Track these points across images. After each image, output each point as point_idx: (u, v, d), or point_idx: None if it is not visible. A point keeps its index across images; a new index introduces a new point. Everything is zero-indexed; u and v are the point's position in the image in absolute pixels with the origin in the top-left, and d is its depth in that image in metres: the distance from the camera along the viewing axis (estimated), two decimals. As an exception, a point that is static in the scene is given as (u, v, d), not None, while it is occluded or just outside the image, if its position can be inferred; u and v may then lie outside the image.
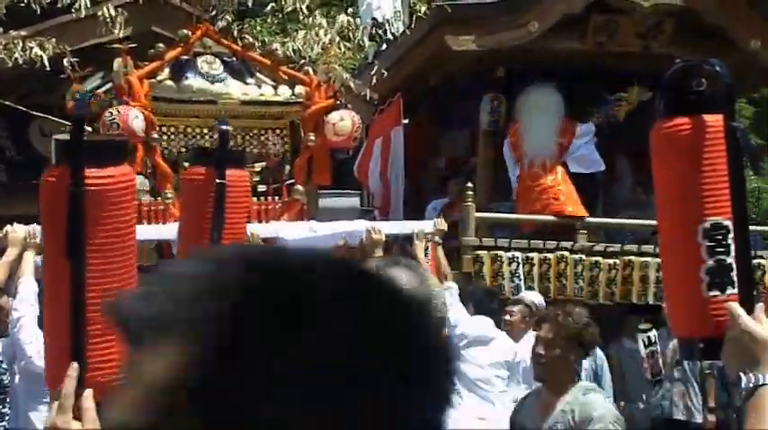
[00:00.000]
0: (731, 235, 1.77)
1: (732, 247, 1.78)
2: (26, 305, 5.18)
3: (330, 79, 7.57)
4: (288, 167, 7.78)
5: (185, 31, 7.41)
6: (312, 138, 7.44)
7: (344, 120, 7.41)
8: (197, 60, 7.45)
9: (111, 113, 6.85)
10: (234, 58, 7.60)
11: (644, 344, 8.04)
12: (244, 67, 7.59)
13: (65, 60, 7.19)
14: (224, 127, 2.05)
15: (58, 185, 1.79)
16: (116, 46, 7.11)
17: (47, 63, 7.21)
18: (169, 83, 7.33)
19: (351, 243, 6.12)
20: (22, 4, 7.35)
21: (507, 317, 7.12)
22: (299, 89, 7.59)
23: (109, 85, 7.64)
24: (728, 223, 1.77)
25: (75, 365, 1.67)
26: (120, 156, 1.90)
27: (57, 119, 8.17)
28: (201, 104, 7.30)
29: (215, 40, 7.60)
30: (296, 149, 7.67)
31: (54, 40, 7.32)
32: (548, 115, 8.85)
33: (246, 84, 7.53)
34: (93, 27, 7.48)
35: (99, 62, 7.94)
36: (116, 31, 7.20)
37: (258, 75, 7.65)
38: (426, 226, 6.61)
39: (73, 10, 7.38)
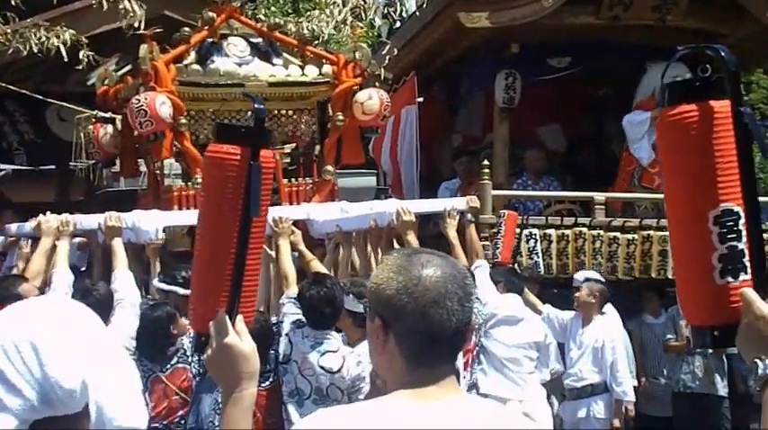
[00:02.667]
0: (742, 220, 1.77)
1: (744, 233, 1.77)
2: (60, 295, 5.12)
3: (357, 57, 7.51)
4: (317, 148, 7.75)
5: (211, 13, 7.35)
6: (341, 117, 7.40)
7: (372, 99, 7.36)
8: (223, 43, 7.38)
9: (139, 100, 6.81)
10: (260, 39, 7.53)
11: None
12: (270, 48, 7.52)
13: (81, 52, 7.20)
14: (260, 105, 2.04)
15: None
16: (139, 32, 7.06)
17: (64, 53, 7.22)
18: (195, 67, 7.25)
19: (381, 224, 6.05)
20: None
21: (576, 294, 7.22)
22: (327, 68, 7.53)
23: (127, 68, 7.65)
24: (739, 209, 1.76)
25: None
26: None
27: (73, 106, 8.22)
28: (229, 87, 7.22)
29: (241, 22, 7.55)
30: (325, 129, 7.64)
31: (68, 28, 7.31)
32: None
33: (273, 65, 7.46)
34: (106, 13, 7.48)
35: (112, 47, 7.97)
36: (132, 18, 7.17)
37: (285, 55, 7.59)
38: (459, 203, 6.47)
39: (93, 2, 7.36)
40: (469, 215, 6.42)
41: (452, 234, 6.03)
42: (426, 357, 1.70)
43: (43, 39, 7.27)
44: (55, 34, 7.21)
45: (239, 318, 1.95)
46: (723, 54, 1.75)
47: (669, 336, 8.27)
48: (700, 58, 1.80)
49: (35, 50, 7.33)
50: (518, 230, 7.97)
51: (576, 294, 7.40)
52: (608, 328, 7.29)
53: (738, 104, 1.76)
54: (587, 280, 7.52)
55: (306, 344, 4.85)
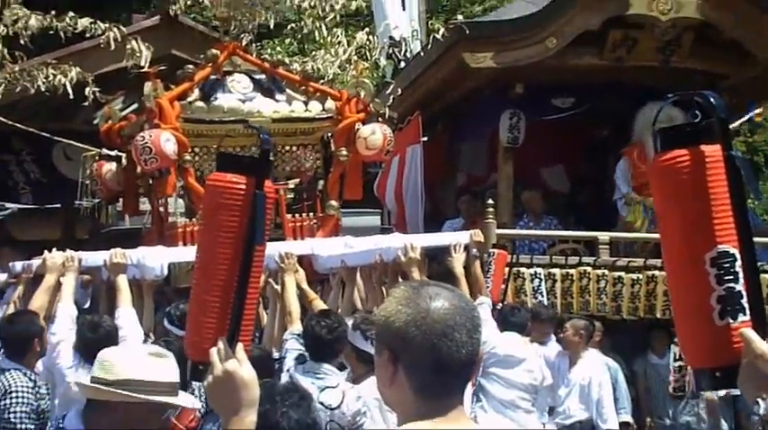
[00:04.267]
0: (738, 262, 1.78)
1: (741, 274, 1.78)
2: (65, 330, 5.16)
3: (360, 93, 7.57)
4: (321, 183, 7.78)
5: (214, 50, 7.42)
6: (344, 152, 7.44)
7: (375, 134, 7.40)
8: (226, 80, 7.44)
9: (143, 137, 6.84)
10: (263, 76, 7.59)
11: (674, 358, 7.99)
12: (273, 85, 7.58)
13: (87, 89, 7.26)
14: (266, 136, 2.06)
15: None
16: (144, 70, 7.13)
17: (70, 90, 7.28)
18: (200, 103, 7.30)
19: (386, 259, 6.05)
20: (51, 32, 7.45)
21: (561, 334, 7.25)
22: (330, 104, 7.58)
23: (133, 107, 7.70)
24: (735, 250, 1.78)
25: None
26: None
27: (79, 144, 8.28)
28: (233, 124, 7.26)
29: (243, 59, 7.62)
30: (328, 164, 7.67)
31: (75, 67, 7.39)
32: None
33: (277, 101, 7.51)
34: (113, 53, 7.55)
35: (118, 85, 8.03)
36: (138, 58, 7.24)
37: (288, 91, 7.64)
38: (462, 237, 6.45)
39: (101, 41, 7.43)
40: (474, 250, 6.39)
41: (459, 269, 6.00)
42: (435, 389, 1.71)
43: (50, 77, 7.33)
44: (62, 72, 7.28)
45: (239, 345, 1.96)
46: (712, 100, 1.78)
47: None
48: (690, 103, 1.82)
49: (42, 89, 7.39)
50: (507, 270, 7.94)
51: (561, 334, 7.43)
52: (594, 366, 7.28)
53: (729, 148, 1.78)
54: (570, 318, 7.55)
55: (306, 380, 4.83)
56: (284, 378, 4.94)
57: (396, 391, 1.73)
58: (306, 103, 7.58)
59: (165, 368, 3.09)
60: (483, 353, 6.08)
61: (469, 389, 5.39)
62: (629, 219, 9.19)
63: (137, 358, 3.12)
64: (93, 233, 10.64)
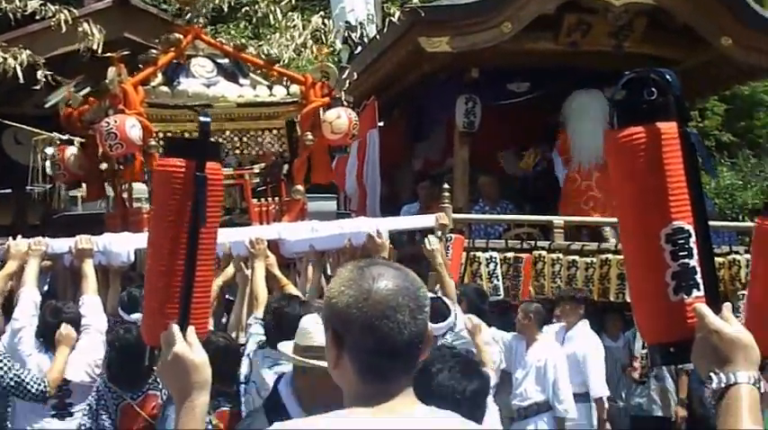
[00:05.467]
0: (693, 238, 1.80)
1: (695, 250, 1.80)
2: (27, 316, 5.12)
3: (325, 77, 7.53)
4: (286, 167, 7.74)
5: (177, 34, 7.33)
6: (310, 137, 7.40)
7: (341, 118, 7.36)
8: (189, 64, 7.36)
9: (108, 123, 6.76)
10: (226, 60, 7.52)
11: (642, 345, 8.05)
12: (236, 69, 7.51)
13: (38, 72, 7.14)
14: (204, 118, 2.06)
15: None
16: (107, 54, 7.02)
17: (20, 74, 7.15)
18: (164, 88, 7.21)
19: (356, 243, 6.03)
20: (0, 14, 7.31)
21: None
22: (294, 88, 7.53)
23: (86, 90, 7.59)
24: (690, 227, 1.79)
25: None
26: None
27: (30, 128, 8.13)
28: (197, 109, 7.15)
29: (206, 42, 7.53)
30: (293, 149, 7.64)
31: (25, 49, 7.25)
32: (594, 119, 8.92)
33: (241, 86, 7.45)
34: (64, 35, 7.43)
35: (70, 68, 7.91)
36: (90, 41, 7.13)
37: (252, 75, 7.59)
38: (428, 220, 6.50)
39: (51, 24, 7.31)
40: (439, 233, 6.45)
41: (440, 260, 5.92)
42: (379, 371, 1.69)
43: (-1, 60, 7.20)
44: (12, 55, 7.14)
45: (190, 329, 1.97)
46: (668, 77, 1.79)
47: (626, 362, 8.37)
48: (646, 81, 1.83)
49: (-8, 72, 7.25)
50: (464, 254, 7.99)
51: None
52: (549, 348, 7.36)
53: (685, 126, 1.79)
54: (523, 301, 7.60)
55: (264, 364, 4.81)
56: (245, 363, 4.92)
57: (341, 373, 1.72)
58: (270, 88, 7.54)
59: None
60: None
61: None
62: None
63: None
64: (44, 218, 10.50)
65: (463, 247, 7.86)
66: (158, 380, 4.70)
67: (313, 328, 3.38)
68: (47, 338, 5.11)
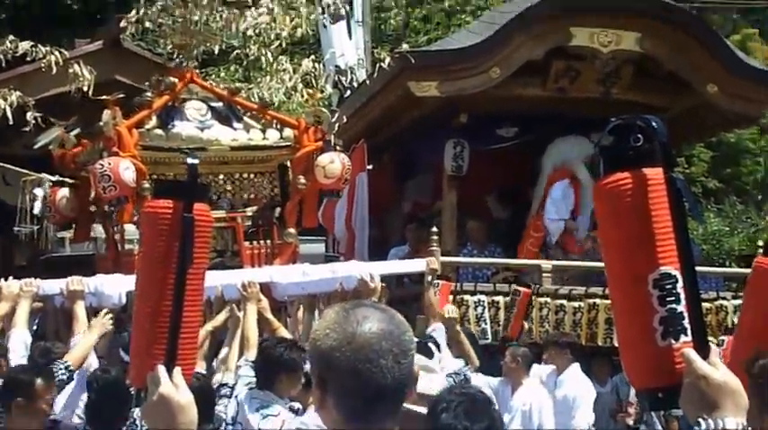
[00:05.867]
0: (680, 283, 1.80)
1: (682, 295, 1.81)
2: (17, 357, 5.11)
3: (318, 121, 7.57)
4: (278, 210, 7.75)
5: (171, 78, 7.37)
6: (302, 181, 7.43)
7: (334, 163, 7.41)
8: (183, 107, 7.39)
9: (102, 165, 6.78)
10: (220, 104, 7.56)
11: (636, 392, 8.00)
12: (230, 112, 7.56)
13: (28, 114, 7.16)
14: (192, 161, 2.06)
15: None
16: (89, 96, 7.05)
17: (9, 115, 7.17)
18: (158, 131, 7.24)
19: (347, 287, 6.06)
20: None
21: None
22: (288, 132, 7.58)
23: (76, 131, 7.61)
24: (677, 272, 1.80)
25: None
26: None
27: (19, 168, 8.14)
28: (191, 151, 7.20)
29: (200, 86, 7.59)
30: (285, 192, 7.65)
31: (16, 90, 7.28)
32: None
33: (235, 129, 7.49)
34: (55, 77, 7.46)
35: (61, 110, 7.93)
36: (81, 83, 7.17)
37: (245, 119, 7.63)
38: (419, 265, 6.57)
39: (42, 65, 7.35)
40: (429, 277, 6.58)
41: (457, 328, 6.27)
42: (362, 414, 1.68)
43: (-11, 101, 7.22)
44: (2, 96, 7.17)
45: (177, 370, 1.95)
46: (655, 124, 1.81)
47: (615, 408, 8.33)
48: (632, 128, 1.85)
49: (-18, 113, 7.27)
50: (467, 297, 8.01)
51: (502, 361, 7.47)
52: (535, 392, 7.32)
53: (671, 172, 1.81)
54: (510, 345, 7.58)
55: (252, 407, 4.80)
56: (232, 404, 4.90)
57: (326, 414, 1.71)
58: (263, 131, 7.57)
59: None
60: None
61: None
62: None
63: None
64: (31, 259, 10.44)
65: (450, 292, 7.89)
66: (136, 423, 4.67)
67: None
68: None
